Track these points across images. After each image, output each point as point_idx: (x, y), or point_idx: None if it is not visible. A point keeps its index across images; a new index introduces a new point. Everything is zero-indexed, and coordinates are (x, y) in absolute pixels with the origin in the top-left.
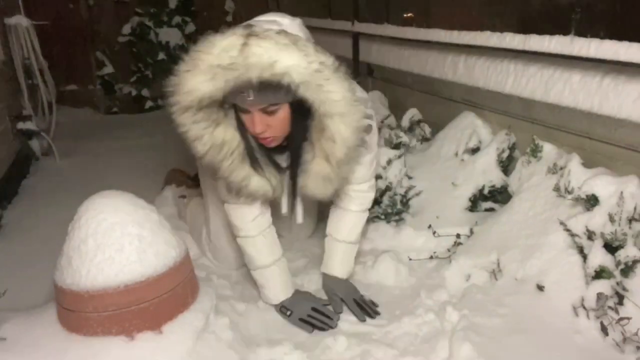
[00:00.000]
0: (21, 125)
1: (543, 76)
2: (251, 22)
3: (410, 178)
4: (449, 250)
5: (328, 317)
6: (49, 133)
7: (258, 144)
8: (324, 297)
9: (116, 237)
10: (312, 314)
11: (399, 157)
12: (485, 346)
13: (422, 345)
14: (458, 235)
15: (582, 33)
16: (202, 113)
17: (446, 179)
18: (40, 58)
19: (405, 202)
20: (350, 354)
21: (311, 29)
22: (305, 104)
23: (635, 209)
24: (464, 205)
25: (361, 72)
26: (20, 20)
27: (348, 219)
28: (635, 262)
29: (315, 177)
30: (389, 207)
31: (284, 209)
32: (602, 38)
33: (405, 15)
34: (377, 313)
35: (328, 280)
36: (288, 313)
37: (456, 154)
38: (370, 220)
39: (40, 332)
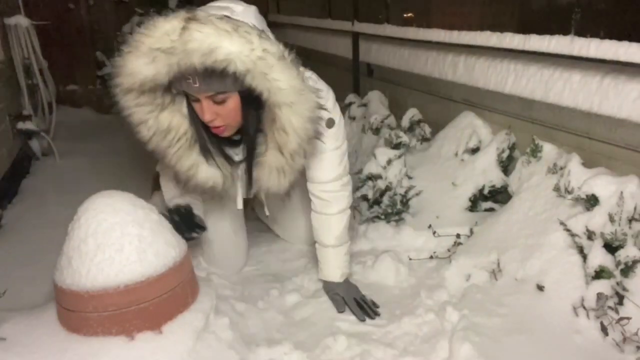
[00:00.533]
0: (21, 125)
1: (543, 76)
2: (203, 7)
3: (410, 178)
4: (449, 250)
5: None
6: (49, 133)
7: (209, 135)
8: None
9: (116, 237)
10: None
11: (399, 157)
12: (485, 346)
13: (422, 345)
14: (458, 235)
15: (582, 33)
16: (146, 97)
17: (446, 179)
18: (40, 58)
19: (405, 202)
20: (350, 354)
21: (311, 29)
22: (255, 94)
23: (635, 209)
24: (464, 205)
25: (361, 72)
26: (20, 20)
27: (329, 224)
28: (635, 262)
29: (269, 169)
30: (389, 207)
31: (240, 204)
32: (602, 38)
33: (405, 15)
34: (377, 314)
35: (328, 284)
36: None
37: (456, 154)
38: (370, 220)
39: (40, 332)
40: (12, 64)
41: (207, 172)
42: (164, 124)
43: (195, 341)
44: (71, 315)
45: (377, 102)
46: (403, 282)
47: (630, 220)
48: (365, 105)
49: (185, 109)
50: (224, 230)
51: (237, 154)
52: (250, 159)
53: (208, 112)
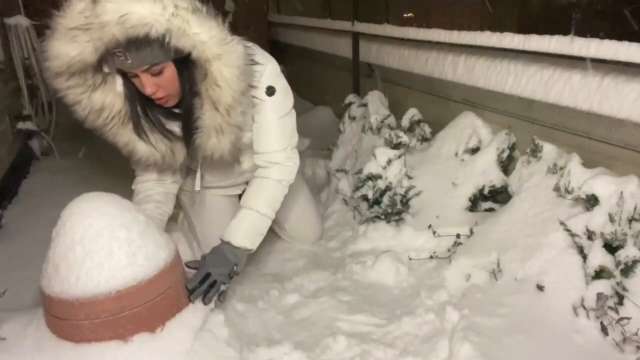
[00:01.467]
0: (21, 125)
1: (543, 76)
2: None
3: (410, 178)
4: (449, 250)
5: None
6: (49, 133)
7: (145, 111)
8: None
9: (104, 242)
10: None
11: (399, 157)
12: (485, 346)
13: (422, 345)
14: (458, 235)
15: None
16: (77, 78)
17: (446, 179)
18: (40, 58)
19: (405, 202)
20: (350, 354)
21: (311, 29)
22: (184, 56)
23: (635, 209)
24: (464, 205)
25: (361, 72)
26: (20, 20)
27: (264, 187)
28: (635, 262)
29: (208, 131)
30: (389, 207)
31: (197, 186)
32: (602, 38)
33: (405, 15)
34: (217, 300)
35: (218, 246)
36: None
37: (456, 154)
38: (370, 220)
39: (40, 332)
40: (12, 64)
41: (146, 149)
42: (97, 104)
43: (193, 341)
44: (62, 324)
45: (377, 102)
46: (403, 282)
47: (630, 220)
48: (365, 105)
49: (119, 88)
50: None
51: (178, 127)
52: (188, 125)
53: (148, 85)
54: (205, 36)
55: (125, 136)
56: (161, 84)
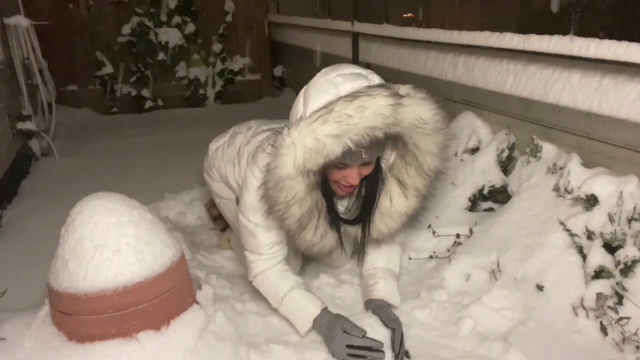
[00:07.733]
0: (21, 125)
1: (542, 76)
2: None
3: None
4: (448, 250)
5: (369, 348)
6: (48, 133)
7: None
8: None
9: (113, 238)
10: (351, 352)
11: None
12: None
13: None
14: (458, 235)
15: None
16: (315, 175)
17: (446, 179)
18: (40, 58)
19: None
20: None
21: (311, 29)
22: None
23: (634, 208)
24: (463, 205)
25: None
26: (20, 20)
27: (397, 251)
28: (634, 262)
29: (395, 215)
30: None
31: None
32: (601, 38)
33: (405, 15)
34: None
35: (385, 307)
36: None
37: (456, 154)
38: None
39: (40, 332)
40: (12, 64)
41: (333, 238)
42: (314, 198)
43: (197, 340)
44: (68, 319)
45: None
46: (403, 282)
47: (630, 220)
48: None
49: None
50: None
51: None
52: (370, 210)
53: (358, 176)
54: (427, 130)
55: (323, 227)
56: (364, 173)
